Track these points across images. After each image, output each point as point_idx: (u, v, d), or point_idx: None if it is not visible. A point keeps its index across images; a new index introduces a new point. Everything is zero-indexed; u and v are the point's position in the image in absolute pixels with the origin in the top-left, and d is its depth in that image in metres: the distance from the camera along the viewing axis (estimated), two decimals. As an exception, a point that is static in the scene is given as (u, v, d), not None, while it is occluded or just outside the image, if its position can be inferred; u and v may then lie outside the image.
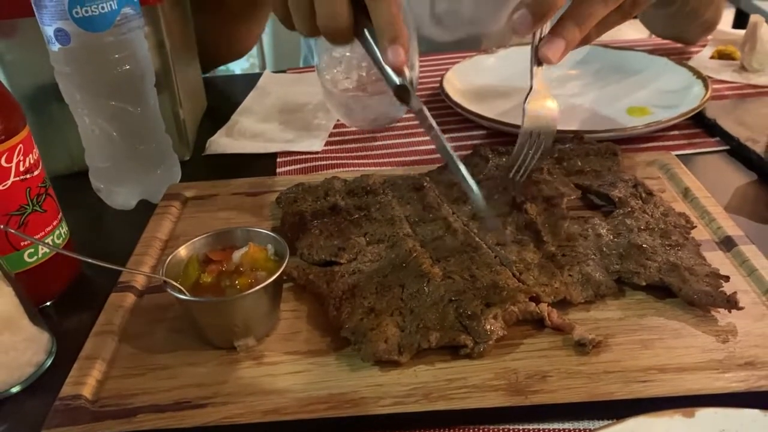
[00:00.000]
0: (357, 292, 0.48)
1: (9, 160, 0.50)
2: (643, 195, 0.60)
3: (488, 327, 0.44)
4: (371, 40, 0.51)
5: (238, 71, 3.37)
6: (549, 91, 0.59)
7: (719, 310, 0.47)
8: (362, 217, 0.58)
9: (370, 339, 0.44)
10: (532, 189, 0.60)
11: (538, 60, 0.56)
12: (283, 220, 0.60)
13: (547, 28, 0.56)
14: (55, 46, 0.61)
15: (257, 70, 2.33)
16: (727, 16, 2.96)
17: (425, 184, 0.62)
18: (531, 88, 0.59)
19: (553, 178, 0.63)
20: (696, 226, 0.57)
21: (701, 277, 0.49)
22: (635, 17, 0.80)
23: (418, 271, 0.49)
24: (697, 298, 0.47)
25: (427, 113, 0.50)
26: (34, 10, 0.60)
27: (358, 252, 0.54)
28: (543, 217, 0.57)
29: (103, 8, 0.59)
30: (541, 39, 0.55)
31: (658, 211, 0.58)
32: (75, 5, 0.58)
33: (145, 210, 0.66)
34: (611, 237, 0.54)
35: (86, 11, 0.59)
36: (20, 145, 0.51)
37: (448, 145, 0.50)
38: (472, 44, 1.17)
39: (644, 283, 0.49)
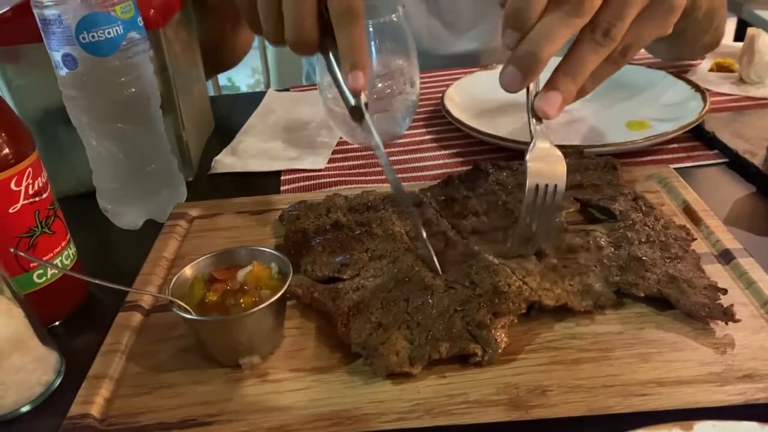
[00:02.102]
0: (363, 308, 0.49)
1: (18, 184, 0.51)
2: (644, 208, 0.61)
3: (497, 335, 0.46)
4: (334, 61, 0.54)
5: (243, 88, 3.41)
6: (552, 146, 0.53)
7: (717, 322, 0.47)
8: (364, 233, 0.59)
9: (381, 353, 0.45)
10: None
11: (536, 116, 0.53)
12: (287, 237, 0.61)
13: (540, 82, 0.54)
14: (63, 71, 0.62)
15: (262, 87, 2.35)
16: (729, 25, 2.97)
17: (424, 199, 0.63)
18: (532, 144, 0.52)
19: None
20: (696, 239, 0.57)
21: (699, 289, 0.50)
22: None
23: (421, 285, 0.50)
24: (694, 309, 0.48)
25: (375, 134, 0.53)
26: (42, 36, 0.61)
27: (361, 268, 0.55)
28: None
29: (109, 33, 0.61)
30: (536, 94, 0.52)
31: (659, 224, 0.58)
32: (82, 31, 0.60)
33: (152, 229, 0.67)
34: (612, 249, 0.55)
35: (93, 36, 0.60)
36: (29, 169, 0.52)
37: (390, 167, 0.55)
38: (471, 60, 1.18)
39: (642, 294, 0.50)
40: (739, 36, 2.75)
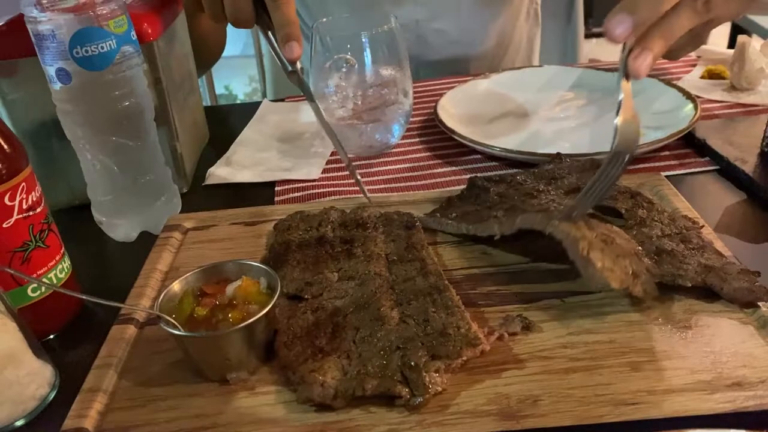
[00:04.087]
0: (312, 331, 0.49)
1: (12, 199, 0.51)
2: (645, 204, 0.62)
3: (428, 380, 0.44)
4: (271, 36, 0.65)
5: (241, 96, 3.41)
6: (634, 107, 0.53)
7: (708, 327, 0.48)
8: (343, 251, 0.59)
9: (307, 381, 0.44)
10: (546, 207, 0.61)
11: (626, 74, 0.52)
12: (270, 248, 0.62)
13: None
14: (57, 85, 0.63)
15: (259, 95, 2.36)
16: (722, 30, 2.99)
17: (417, 223, 0.63)
18: (620, 104, 0.52)
19: (559, 197, 0.64)
20: (704, 225, 0.59)
21: (734, 275, 0.51)
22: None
23: (376, 314, 0.49)
24: (739, 295, 0.49)
25: (311, 92, 0.67)
26: (36, 50, 0.62)
27: (324, 288, 0.54)
28: None
29: (102, 47, 0.61)
30: (630, 51, 0.52)
31: (665, 217, 0.60)
32: (75, 45, 0.60)
33: (147, 241, 0.67)
34: (636, 245, 0.55)
35: (86, 51, 0.61)
36: (23, 184, 0.52)
37: (323, 117, 0.68)
38: (460, 65, 1.18)
39: (689, 284, 0.51)
40: (733, 41, 2.76)
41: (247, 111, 1.02)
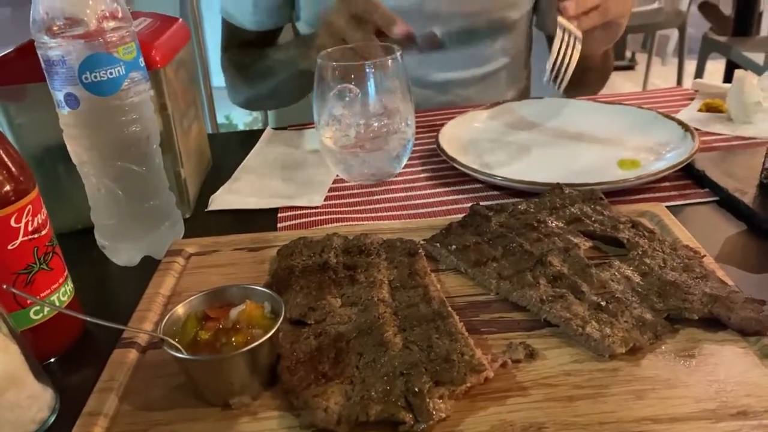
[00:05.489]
0: (315, 356, 0.49)
1: (18, 221, 0.52)
2: (646, 234, 0.63)
3: (432, 407, 0.43)
4: None
5: (240, 125, 3.43)
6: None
7: (712, 356, 0.48)
8: (346, 277, 0.59)
9: (310, 405, 0.44)
10: (545, 243, 0.61)
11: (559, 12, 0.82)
12: (274, 273, 0.62)
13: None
14: (65, 110, 0.63)
15: (260, 125, 2.37)
16: (718, 66, 3.04)
17: (419, 251, 0.63)
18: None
19: (560, 229, 0.64)
20: (705, 255, 0.60)
21: (740, 304, 0.51)
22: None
23: (379, 339, 0.50)
24: (745, 325, 0.50)
25: None
26: (46, 76, 0.63)
27: (327, 313, 0.54)
28: (568, 267, 0.58)
29: (111, 73, 0.62)
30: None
31: (666, 246, 0.60)
32: (85, 71, 0.61)
33: (149, 266, 0.67)
34: (639, 278, 0.56)
35: (95, 77, 0.61)
36: (29, 206, 0.53)
37: None
38: (461, 84, 1.20)
39: (696, 317, 0.51)
40: (728, 77, 2.81)
41: (249, 138, 1.03)
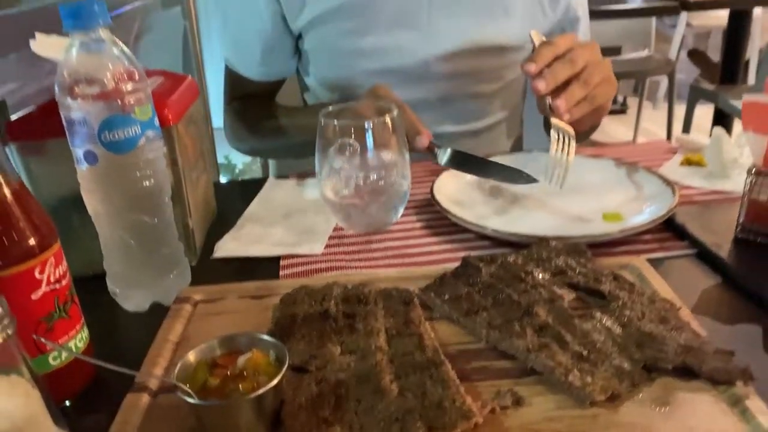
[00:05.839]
0: (317, 402, 0.52)
1: (42, 272, 0.56)
2: (627, 286, 0.67)
3: None
4: None
5: (240, 165, 3.49)
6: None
7: (685, 404, 0.52)
8: (346, 325, 0.63)
9: None
10: (532, 294, 0.66)
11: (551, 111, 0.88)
12: (277, 321, 0.65)
13: None
14: (84, 166, 0.68)
15: (258, 165, 2.42)
16: (706, 111, 3.12)
17: (414, 300, 0.67)
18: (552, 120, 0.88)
19: (545, 281, 0.69)
20: (681, 307, 0.64)
21: (710, 354, 0.55)
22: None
23: (377, 387, 0.53)
24: (715, 375, 0.53)
25: None
26: (67, 134, 0.67)
27: (327, 361, 0.58)
28: (552, 318, 0.62)
29: (128, 133, 0.67)
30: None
31: (645, 298, 0.64)
32: (104, 130, 0.66)
33: (158, 312, 0.71)
34: (619, 329, 0.60)
35: (113, 136, 0.66)
36: (52, 258, 0.57)
37: None
38: (461, 137, 1.25)
39: (670, 367, 0.55)
40: (716, 122, 2.89)
41: (251, 187, 1.07)
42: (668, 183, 0.90)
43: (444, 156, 0.95)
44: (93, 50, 0.65)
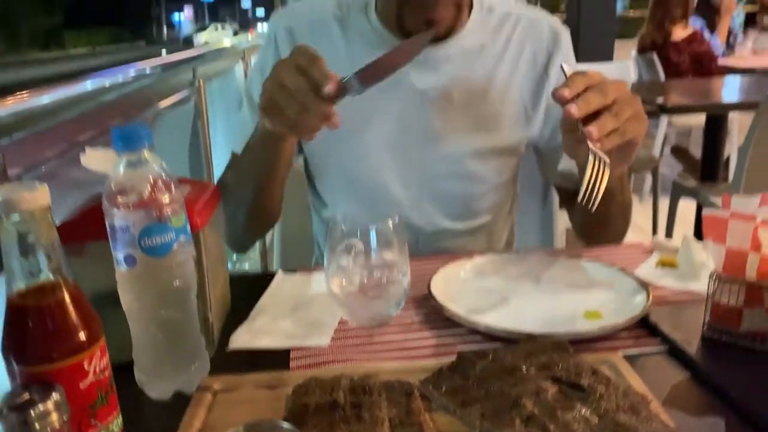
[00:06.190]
0: None
1: (89, 364, 0.64)
2: (604, 380, 0.74)
3: None
4: None
5: (234, 255, 3.58)
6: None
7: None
8: (353, 415, 0.70)
9: None
10: (520, 387, 0.73)
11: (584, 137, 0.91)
12: (291, 410, 0.72)
13: None
14: (123, 267, 0.77)
15: (257, 255, 2.51)
16: (690, 206, 3.26)
17: (415, 391, 0.75)
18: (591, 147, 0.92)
19: (532, 374, 0.76)
20: (652, 400, 0.71)
21: None
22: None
23: None
24: None
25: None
26: (109, 238, 0.77)
27: None
28: (538, 409, 0.69)
29: (164, 239, 0.76)
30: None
31: (620, 392, 0.71)
32: (143, 237, 0.75)
33: (179, 400, 0.78)
34: (596, 419, 0.67)
35: (152, 241, 0.75)
36: (98, 351, 0.65)
37: None
38: (439, 252, 1.35)
39: None
40: (699, 218, 3.02)
41: (262, 281, 1.16)
42: (643, 284, 0.99)
43: (352, 79, 0.95)
44: (137, 167, 0.76)
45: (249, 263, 3.58)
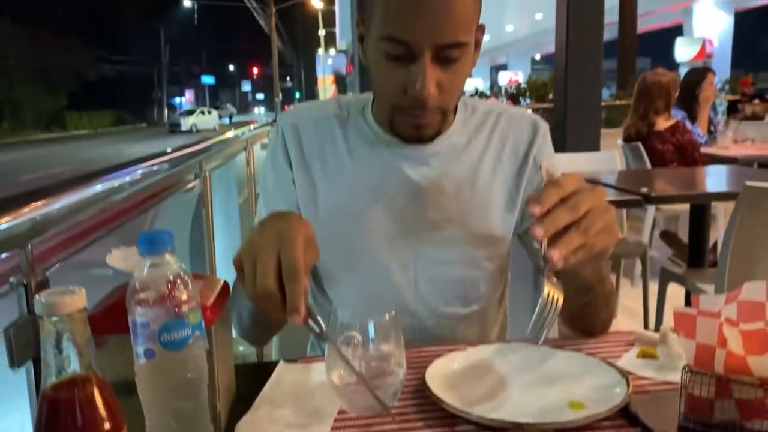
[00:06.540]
0: None
1: (113, 452, 0.70)
2: None
3: None
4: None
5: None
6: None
7: None
8: None
9: None
10: None
11: (545, 261, 0.93)
12: None
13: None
14: (142, 360, 0.83)
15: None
16: (678, 292, 3.34)
17: None
18: (545, 276, 0.98)
19: None
20: None
21: None
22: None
23: None
24: None
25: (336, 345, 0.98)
26: (131, 333, 0.84)
27: None
28: None
29: (181, 334, 0.84)
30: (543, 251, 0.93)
31: None
32: (163, 332, 0.82)
33: (189, 487, 0.83)
34: None
35: (170, 337, 0.83)
36: (122, 439, 0.71)
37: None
38: (455, 319, 1.43)
39: None
40: (687, 300, 3.09)
41: (266, 370, 1.22)
42: (624, 374, 1.06)
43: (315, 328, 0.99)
44: (159, 268, 0.84)
45: (243, 346, 3.60)
